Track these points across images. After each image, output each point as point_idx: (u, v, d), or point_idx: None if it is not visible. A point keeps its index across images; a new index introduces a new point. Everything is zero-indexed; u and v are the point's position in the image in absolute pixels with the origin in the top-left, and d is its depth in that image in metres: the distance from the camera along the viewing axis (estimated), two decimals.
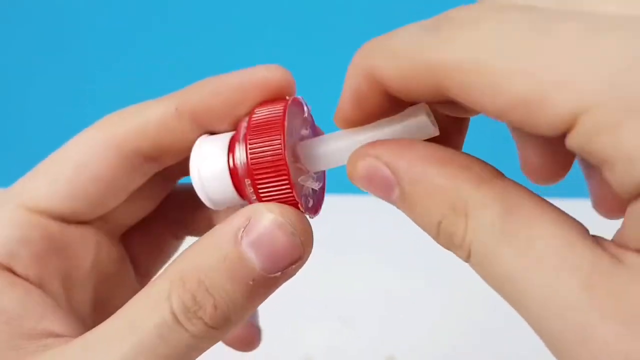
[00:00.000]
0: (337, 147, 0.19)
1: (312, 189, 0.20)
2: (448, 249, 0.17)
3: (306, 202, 0.20)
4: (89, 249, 0.23)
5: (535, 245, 0.15)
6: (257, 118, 0.19)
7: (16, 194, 0.22)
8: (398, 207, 0.18)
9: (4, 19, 0.60)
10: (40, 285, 0.21)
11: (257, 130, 0.19)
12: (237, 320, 0.19)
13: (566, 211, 0.17)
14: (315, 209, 0.21)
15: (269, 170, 0.18)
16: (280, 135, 0.18)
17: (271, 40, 0.60)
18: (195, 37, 0.60)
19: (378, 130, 0.19)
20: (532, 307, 0.15)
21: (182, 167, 0.22)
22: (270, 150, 0.18)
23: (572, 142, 0.14)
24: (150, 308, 0.18)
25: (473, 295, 0.55)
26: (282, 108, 0.19)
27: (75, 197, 0.21)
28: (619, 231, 0.15)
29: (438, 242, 0.17)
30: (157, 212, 0.26)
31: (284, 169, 0.18)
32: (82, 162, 0.21)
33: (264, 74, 0.21)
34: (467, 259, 0.16)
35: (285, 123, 0.18)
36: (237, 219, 0.18)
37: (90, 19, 0.60)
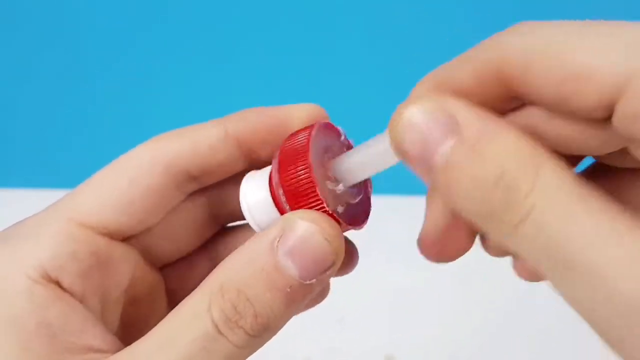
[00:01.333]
0: (357, 160, 0.20)
1: (350, 202, 0.21)
2: (497, 208, 0.16)
3: (346, 214, 0.20)
4: (128, 269, 0.23)
5: (614, 211, 0.15)
6: (289, 142, 0.20)
7: (66, 207, 0.22)
8: (435, 164, 0.16)
9: (4, 19, 0.60)
10: (82, 300, 0.21)
11: (288, 153, 0.20)
12: (275, 328, 0.19)
13: None
14: (356, 221, 0.21)
15: (299, 186, 0.19)
16: (306, 152, 0.19)
17: (270, 41, 0.60)
18: (195, 37, 0.60)
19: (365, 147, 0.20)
20: (610, 270, 0.14)
21: (230, 210, 0.24)
22: (300, 167, 0.19)
23: (617, 118, 0.16)
24: (190, 320, 0.19)
25: (473, 294, 0.55)
26: (309, 130, 0.20)
27: (123, 212, 0.22)
28: None
29: (488, 199, 0.16)
30: (204, 251, 0.26)
31: (311, 183, 0.19)
32: (133, 177, 0.22)
33: (308, 111, 0.22)
34: (524, 216, 0.15)
35: (311, 139, 0.20)
36: (271, 230, 0.19)
37: (91, 19, 0.60)
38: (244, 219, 0.22)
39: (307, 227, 0.19)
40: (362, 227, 0.21)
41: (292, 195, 0.20)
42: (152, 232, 0.24)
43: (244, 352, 0.19)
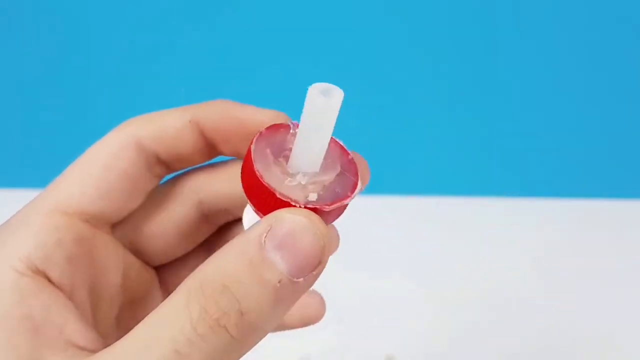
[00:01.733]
0: (299, 144, 0.20)
1: (325, 183, 0.21)
2: None
3: (328, 196, 0.20)
4: (118, 263, 0.23)
5: None
6: (243, 166, 0.20)
7: (48, 199, 0.22)
8: None
9: (4, 20, 0.60)
10: (70, 294, 0.20)
11: (244, 176, 0.20)
12: (261, 331, 0.18)
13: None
14: (343, 195, 0.20)
15: (263, 201, 0.19)
16: (252, 166, 0.19)
17: (266, 42, 0.60)
18: (181, 39, 0.60)
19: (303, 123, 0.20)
20: None
21: (223, 209, 0.25)
22: (253, 183, 0.19)
23: None
24: (167, 321, 0.17)
25: (472, 295, 0.55)
26: (250, 144, 0.20)
27: (102, 197, 0.22)
28: None
29: None
30: (202, 252, 0.26)
31: (269, 192, 0.19)
32: (109, 161, 0.22)
33: (270, 117, 0.23)
34: None
35: (252, 152, 0.20)
36: (258, 226, 0.18)
37: (91, 20, 0.60)
38: (238, 216, 0.22)
39: (295, 220, 0.18)
40: (353, 197, 0.20)
41: (264, 211, 0.19)
42: (141, 229, 0.24)
43: (225, 358, 0.17)
